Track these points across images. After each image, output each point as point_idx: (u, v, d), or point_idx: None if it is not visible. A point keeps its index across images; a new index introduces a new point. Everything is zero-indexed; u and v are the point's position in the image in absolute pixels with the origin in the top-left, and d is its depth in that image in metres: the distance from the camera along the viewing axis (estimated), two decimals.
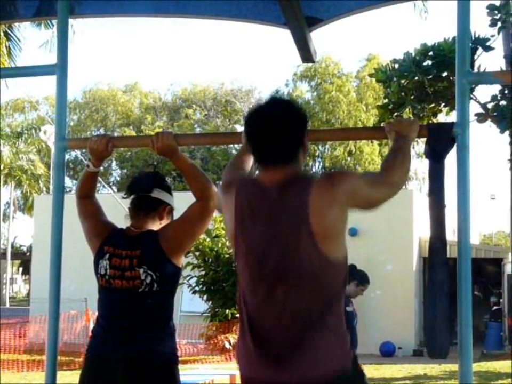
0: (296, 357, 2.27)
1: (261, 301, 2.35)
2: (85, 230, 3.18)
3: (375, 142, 31.76)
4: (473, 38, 7.59)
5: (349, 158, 33.03)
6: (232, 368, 12.51)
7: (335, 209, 2.29)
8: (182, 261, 3.11)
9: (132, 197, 3.14)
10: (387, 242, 17.37)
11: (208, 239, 15.15)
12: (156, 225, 3.10)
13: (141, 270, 2.95)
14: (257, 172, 2.56)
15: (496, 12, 8.13)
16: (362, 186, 2.38)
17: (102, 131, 36.43)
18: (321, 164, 34.45)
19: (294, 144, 2.39)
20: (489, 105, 8.27)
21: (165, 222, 3.15)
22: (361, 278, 6.52)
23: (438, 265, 2.68)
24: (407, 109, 8.46)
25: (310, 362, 2.26)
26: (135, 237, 3.04)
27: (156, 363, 2.94)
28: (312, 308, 2.29)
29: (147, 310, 2.99)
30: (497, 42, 8.87)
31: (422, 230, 17.32)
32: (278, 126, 2.35)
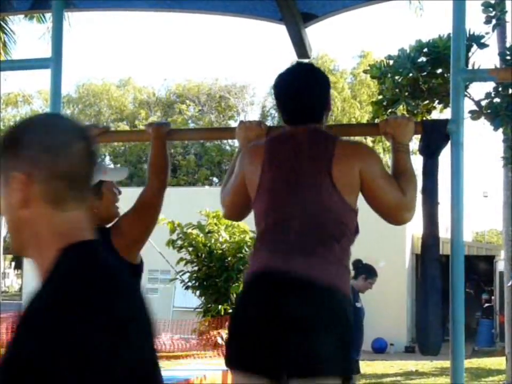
0: (302, 259, 2.34)
1: (279, 219, 2.44)
2: None
3: (369, 139, 31.80)
4: (468, 35, 7.59)
5: None
6: (224, 363, 12.50)
7: (353, 168, 2.44)
8: (137, 258, 2.78)
9: None
10: (380, 239, 17.40)
11: (201, 235, 15.14)
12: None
13: None
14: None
15: (491, 9, 8.12)
16: (379, 170, 2.49)
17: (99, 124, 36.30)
18: None
19: (321, 104, 2.56)
20: (483, 103, 8.27)
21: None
22: (369, 272, 6.56)
23: (430, 261, 2.69)
24: (401, 106, 8.46)
25: (313, 269, 2.33)
26: None
27: None
28: (324, 235, 2.38)
29: None
30: (492, 40, 8.87)
31: (415, 227, 17.37)
32: (308, 88, 2.52)
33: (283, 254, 2.37)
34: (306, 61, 3.03)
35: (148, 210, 2.81)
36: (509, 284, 9.29)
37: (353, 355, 7.48)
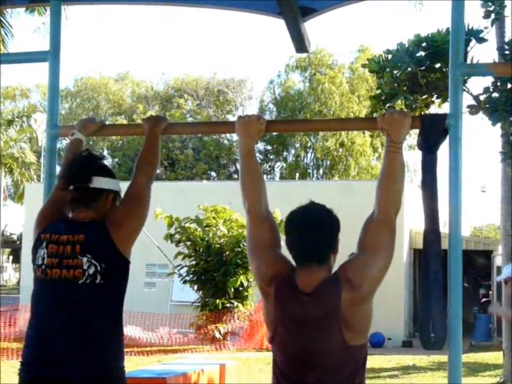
0: None
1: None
2: (39, 212, 2.90)
3: (367, 133, 31.78)
4: (466, 30, 7.58)
5: (340, 149, 33.04)
6: (222, 357, 12.54)
7: (363, 306, 2.50)
8: (130, 254, 2.75)
9: (70, 188, 2.75)
10: None
11: (199, 229, 15.14)
12: (99, 217, 2.75)
13: (84, 259, 2.62)
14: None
15: (490, 3, 8.11)
16: (374, 260, 2.53)
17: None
18: (313, 155, 34.45)
19: (329, 248, 2.54)
20: (482, 97, 8.27)
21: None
22: None
23: (432, 256, 2.69)
24: (399, 100, 8.45)
25: None
26: (79, 222, 2.71)
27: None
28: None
29: (87, 306, 2.63)
30: (491, 34, 8.87)
31: (412, 222, 17.36)
32: (318, 228, 2.52)
33: None
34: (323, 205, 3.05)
35: (139, 201, 2.80)
36: (498, 279, 9.28)
37: None
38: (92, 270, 2.61)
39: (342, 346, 2.43)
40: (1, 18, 13.70)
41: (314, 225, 2.53)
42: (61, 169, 2.91)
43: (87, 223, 2.71)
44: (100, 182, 2.76)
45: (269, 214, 2.72)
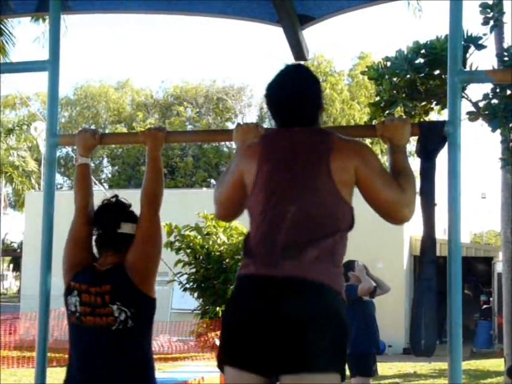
0: (293, 260, 2.33)
1: (271, 217, 2.42)
2: (65, 253, 2.97)
3: (367, 140, 31.80)
4: (465, 37, 7.59)
5: None
6: None
7: (349, 164, 2.42)
8: (155, 290, 2.89)
9: (98, 232, 2.91)
10: (378, 241, 17.41)
11: (199, 237, 15.12)
12: (122, 260, 2.87)
13: (114, 307, 2.77)
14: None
15: (488, 10, 8.12)
16: (375, 167, 2.46)
17: (93, 128, 36.34)
18: None
19: (313, 105, 2.53)
20: (481, 104, 8.27)
21: None
22: (346, 268, 6.66)
23: (426, 264, 2.68)
24: (398, 107, 8.45)
25: (299, 266, 2.33)
26: (103, 272, 2.84)
27: None
28: (317, 229, 2.38)
29: (122, 349, 2.80)
30: (490, 41, 8.87)
31: (413, 229, 17.35)
32: (298, 90, 2.50)
33: (274, 254, 2.36)
34: (301, 63, 2.98)
35: (152, 240, 2.90)
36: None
37: (371, 349, 7.64)
38: (123, 316, 2.77)
39: (334, 194, 2.40)
40: (2, 27, 13.74)
41: (293, 89, 2.51)
42: (93, 215, 2.96)
43: (109, 271, 2.82)
44: (127, 227, 2.90)
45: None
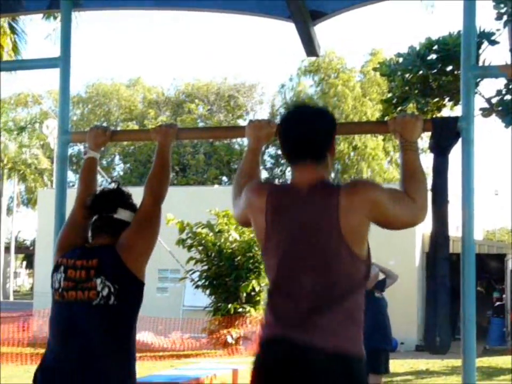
0: (309, 327, 2.33)
1: (288, 284, 2.42)
2: (59, 235, 2.97)
3: (379, 137, 31.71)
4: (478, 32, 7.56)
5: (352, 153, 32.98)
6: (234, 362, 12.51)
7: (360, 215, 2.38)
8: (144, 275, 2.81)
9: (94, 217, 2.86)
10: (390, 237, 17.31)
11: (211, 234, 15.15)
12: (113, 243, 2.81)
13: (98, 280, 2.69)
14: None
15: (502, 5, 8.08)
16: (386, 201, 2.42)
17: (104, 125, 36.39)
18: None
19: (323, 142, 2.50)
20: (494, 100, 8.23)
21: None
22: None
23: (440, 260, 2.67)
24: (411, 103, 8.43)
25: (321, 334, 2.32)
26: (92, 248, 2.81)
27: None
28: (335, 292, 2.36)
29: (101, 327, 2.70)
30: (503, 36, 8.83)
31: (425, 226, 17.27)
32: (311, 123, 2.48)
33: (292, 320, 2.36)
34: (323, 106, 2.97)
35: (147, 224, 2.84)
36: None
37: (382, 345, 7.63)
38: (105, 292, 2.68)
39: (344, 252, 2.37)
40: (14, 25, 13.80)
41: (306, 121, 2.51)
42: (88, 198, 2.92)
43: (99, 248, 2.78)
44: (123, 214, 2.85)
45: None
